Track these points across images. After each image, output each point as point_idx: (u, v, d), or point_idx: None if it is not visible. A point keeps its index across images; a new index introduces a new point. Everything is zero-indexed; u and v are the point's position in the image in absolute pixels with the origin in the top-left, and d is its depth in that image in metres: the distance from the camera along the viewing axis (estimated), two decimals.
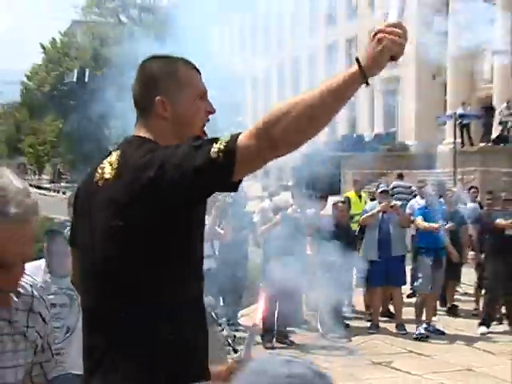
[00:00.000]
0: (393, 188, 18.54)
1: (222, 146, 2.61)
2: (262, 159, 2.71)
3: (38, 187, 69.58)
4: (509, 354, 10.93)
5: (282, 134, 2.59)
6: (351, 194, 16.76)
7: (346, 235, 13.29)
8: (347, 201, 14.86)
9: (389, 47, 2.64)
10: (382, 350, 12.06)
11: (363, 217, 13.95)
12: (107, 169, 2.94)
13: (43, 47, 59.72)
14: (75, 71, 42.09)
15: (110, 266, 2.86)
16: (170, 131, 2.99)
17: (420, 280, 13.16)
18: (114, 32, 57.53)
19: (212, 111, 3.13)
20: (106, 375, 2.87)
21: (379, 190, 14.37)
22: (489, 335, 12.86)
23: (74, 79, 39.87)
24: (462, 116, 34.64)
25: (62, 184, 63.26)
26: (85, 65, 51.39)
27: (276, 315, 12.51)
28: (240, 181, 2.71)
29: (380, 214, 13.60)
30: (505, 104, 33.93)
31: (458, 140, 34.11)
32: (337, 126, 50.46)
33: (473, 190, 18.68)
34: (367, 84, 2.64)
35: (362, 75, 2.62)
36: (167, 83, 3.08)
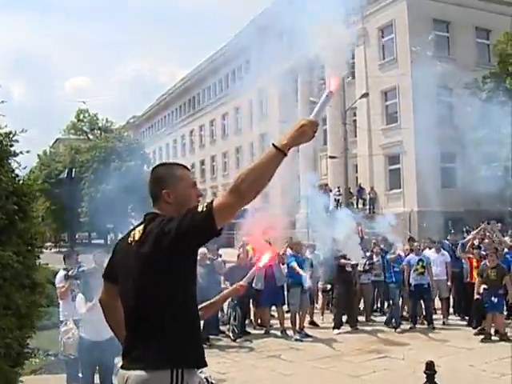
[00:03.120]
0: None
1: (205, 204, 2.77)
2: (232, 208, 2.77)
3: None
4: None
5: (244, 189, 2.71)
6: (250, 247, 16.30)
7: (246, 272, 13.22)
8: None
9: (307, 135, 2.83)
10: (273, 348, 11.91)
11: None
12: (137, 234, 3.07)
13: (38, 156, 59.16)
14: (66, 170, 41.41)
15: (142, 288, 2.98)
16: (172, 211, 3.05)
17: (292, 302, 13.12)
18: (84, 145, 57.26)
19: (200, 195, 3.27)
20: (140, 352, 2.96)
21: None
22: (339, 335, 12.88)
23: (65, 175, 39.16)
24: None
25: (48, 244, 62.80)
26: (70, 167, 50.91)
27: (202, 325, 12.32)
28: (222, 229, 2.80)
29: None
30: (336, 188, 34.35)
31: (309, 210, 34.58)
32: None
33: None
34: (285, 155, 2.76)
35: (278, 150, 2.75)
36: (170, 180, 3.19)
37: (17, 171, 3.79)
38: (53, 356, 10.14)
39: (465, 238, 15.89)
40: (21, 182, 3.57)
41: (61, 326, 8.44)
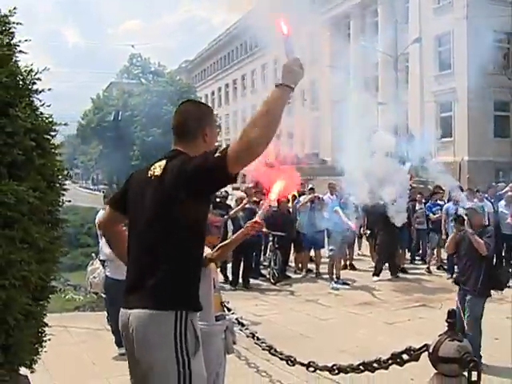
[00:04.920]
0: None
1: (221, 150, 2.73)
2: (244, 156, 2.71)
3: (86, 188, 69.83)
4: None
5: (255, 135, 2.64)
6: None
7: (287, 217, 13.42)
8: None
9: (295, 72, 2.88)
10: (311, 292, 11.97)
11: (300, 204, 13.95)
12: (157, 170, 3.06)
13: (92, 100, 59.72)
14: (113, 113, 41.84)
15: (156, 223, 2.97)
16: (203, 148, 3.08)
17: (332, 248, 13.12)
18: (137, 89, 57.50)
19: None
20: (144, 289, 2.93)
21: (308, 188, 14.40)
22: (378, 282, 12.88)
23: (112, 118, 39.60)
24: None
25: (101, 186, 63.87)
26: (117, 110, 51.37)
27: (242, 268, 12.50)
28: (236, 175, 2.76)
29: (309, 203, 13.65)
30: None
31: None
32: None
33: None
34: (292, 89, 2.81)
35: (284, 86, 2.79)
36: (210, 119, 3.28)
37: (41, 109, 3.78)
38: (95, 294, 10.38)
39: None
40: (40, 118, 3.58)
41: (88, 265, 8.66)
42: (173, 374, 2.85)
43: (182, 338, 2.88)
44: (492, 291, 7.32)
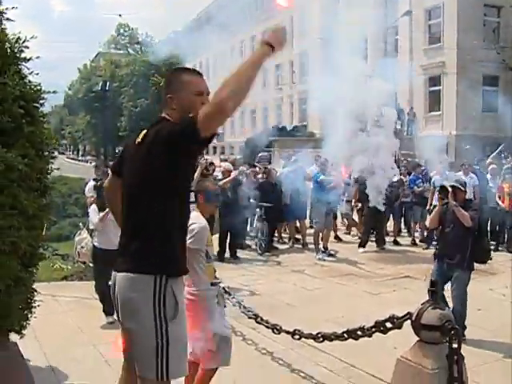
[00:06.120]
0: None
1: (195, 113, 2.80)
2: (214, 117, 2.76)
3: (73, 159, 69.50)
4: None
5: (226, 97, 2.70)
6: None
7: (274, 187, 13.47)
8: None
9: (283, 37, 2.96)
10: (298, 263, 12.08)
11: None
12: (141, 135, 3.15)
13: (79, 70, 59.25)
14: (100, 83, 41.47)
15: (137, 188, 3.06)
16: (176, 116, 3.09)
17: (316, 220, 13.17)
18: (124, 59, 57.05)
19: None
20: (134, 250, 3.04)
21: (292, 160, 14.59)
22: (365, 254, 12.99)
23: (99, 89, 39.29)
24: None
25: (88, 157, 63.56)
26: (105, 80, 51.06)
27: (228, 240, 12.54)
28: (208, 138, 2.81)
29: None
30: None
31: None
32: (269, 120, 50.17)
33: None
34: (273, 49, 2.88)
35: (265, 44, 2.88)
36: (174, 85, 3.21)
37: (30, 77, 3.80)
38: (83, 264, 10.43)
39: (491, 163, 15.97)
40: (28, 86, 3.59)
41: (75, 235, 8.69)
42: (151, 338, 2.95)
43: (161, 303, 2.96)
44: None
